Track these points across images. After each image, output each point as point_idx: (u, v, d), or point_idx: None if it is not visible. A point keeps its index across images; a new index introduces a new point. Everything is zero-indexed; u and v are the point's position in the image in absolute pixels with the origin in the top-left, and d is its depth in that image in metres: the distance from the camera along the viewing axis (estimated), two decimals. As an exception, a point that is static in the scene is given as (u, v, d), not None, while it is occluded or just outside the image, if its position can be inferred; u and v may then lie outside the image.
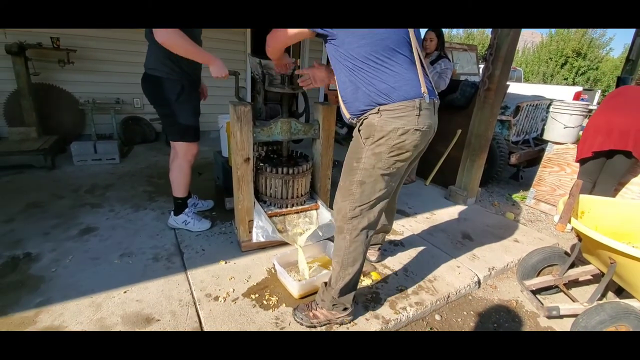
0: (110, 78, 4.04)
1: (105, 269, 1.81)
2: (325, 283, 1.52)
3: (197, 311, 1.57)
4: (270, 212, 1.95)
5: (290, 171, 1.91)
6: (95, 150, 3.44)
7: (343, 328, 1.53)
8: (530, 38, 18.21)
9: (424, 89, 1.27)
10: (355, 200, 1.36)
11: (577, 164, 2.69)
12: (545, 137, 3.12)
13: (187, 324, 1.49)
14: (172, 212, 2.26)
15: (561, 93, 8.55)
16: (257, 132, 1.83)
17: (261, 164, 1.94)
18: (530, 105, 3.53)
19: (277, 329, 1.49)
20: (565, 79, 14.73)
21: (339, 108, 1.52)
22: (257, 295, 1.69)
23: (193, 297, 1.65)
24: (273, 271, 1.88)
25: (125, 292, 1.65)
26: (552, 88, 9.34)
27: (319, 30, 1.29)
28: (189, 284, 1.75)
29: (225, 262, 1.93)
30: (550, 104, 3.62)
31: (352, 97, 1.33)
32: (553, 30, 15.65)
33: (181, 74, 1.94)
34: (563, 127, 2.89)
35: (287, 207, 2.01)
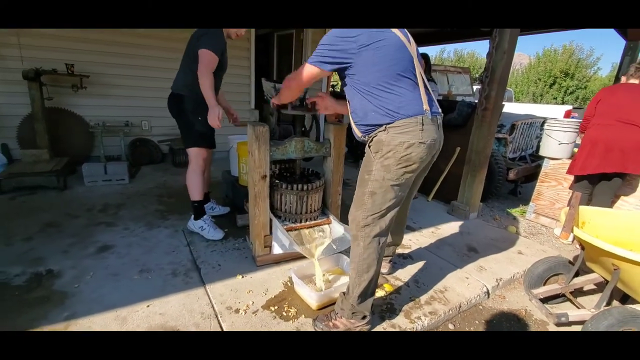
0: (120, 102, 4.18)
1: (126, 285, 1.86)
2: (344, 293, 1.59)
3: (219, 323, 1.61)
4: (285, 226, 2.02)
5: (305, 187, 2.01)
6: (105, 172, 3.52)
7: (362, 337, 1.58)
8: (519, 60, 18.97)
9: (425, 106, 1.42)
10: (367, 210, 1.46)
11: (572, 177, 2.83)
12: (541, 153, 3.26)
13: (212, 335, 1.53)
14: (192, 216, 2.46)
15: (552, 112, 8.84)
16: (273, 150, 1.94)
17: (276, 181, 2.03)
18: (524, 123, 3.71)
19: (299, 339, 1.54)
20: (554, 98, 15.24)
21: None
22: (276, 307, 1.74)
23: (214, 310, 1.70)
24: (289, 284, 1.94)
25: (148, 306, 1.69)
26: (543, 107, 9.68)
27: (337, 66, 1.43)
28: (209, 297, 1.79)
29: (242, 276, 1.99)
30: (544, 122, 3.80)
31: (363, 118, 1.47)
32: (540, 51, 16.33)
33: (197, 94, 2.17)
34: (558, 143, 3.04)
35: (301, 221, 2.08)
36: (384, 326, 1.66)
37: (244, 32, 2.43)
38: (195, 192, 2.39)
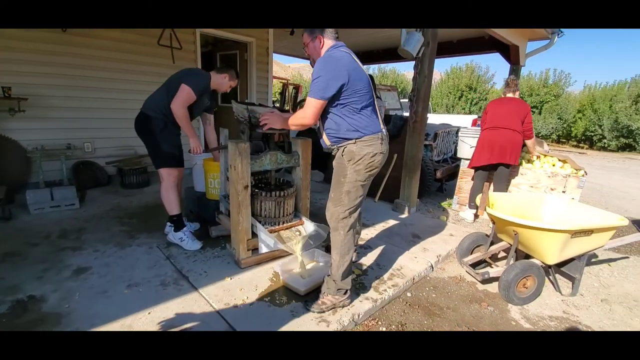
0: (61, 124, 3.98)
1: (118, 299, 1.94)
2: (328, 275, 1.94)
3: (222, 317, 1.82)
4: (267, 229, 2.30)
5: (281, 194, 2.32)
6: (52, 197, 3.35)
7: (345, 310, 1.94)
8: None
9: (382, 126, 1.88)
10: (344, 205, 1.85)
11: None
12: (458, 155, 4.05)
13: (219, 327, 1.75)
14: (172, 229, 2.62)
15: (462, 121, 10.41)
16: (252, 163, 2.23)
17: (256, 190, 2.31)
18: (444, 132, 4.52)
19: (296, 318, 1.84)
20: (463, 108, 17.72)
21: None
22: (269, 298, 2.01)
23: (213, 307, 1.90)
24: (274, 279, 2.21)
25: (149, 313, 1.83)
26: (455, 117, 11.31)
27: (335, 93, 1.73)
28: (205, 299, 1.98)
29: (230, 278, 2.20)
30: (458, 130, 4.66)
31: (336, 132, 1.86)
32: (448, 69, 18.89)
33: (166, 116, 2.43)
34: (470, 147, 3.83)
35: (279, 224, 2.39)
36: (360, 299, 2.05)
37: (235, 85, 2.70)
38: (173, 206, 2.55)
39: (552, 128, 15.41)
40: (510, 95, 3.44)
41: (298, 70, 32.19)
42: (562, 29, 4.94)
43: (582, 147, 15.15)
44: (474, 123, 11.09)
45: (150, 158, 2.58)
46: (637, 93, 13.53)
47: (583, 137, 15.31)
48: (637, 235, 2.50)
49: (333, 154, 2.00)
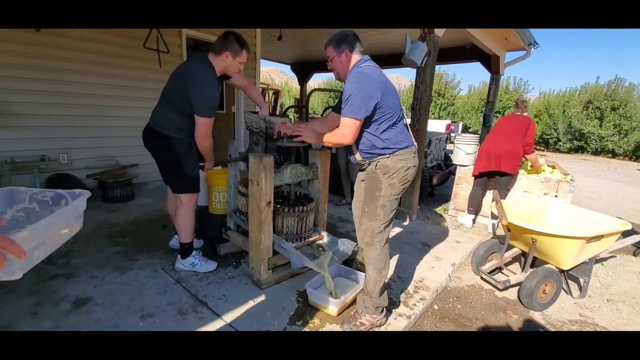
0: (33, 133, 3.57)
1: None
2: (364, 293, 1.87)
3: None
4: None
5: (304, 209, 2.22)
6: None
7: (382, 328, 1.87)
8: (403, 82, 22.33)
9: (413, 140, 1.86)
10: (380, 220, 1.80)
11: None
12: (455, 162, 4.15)
13: (257, 358, 1.61)
14: (179, 256, 2.37)
15: (437, 126, 10.80)
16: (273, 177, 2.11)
17: (277, 206, 2.19)
18: (437, 139, 4.62)
19: (335, 342, 1.74)
20: (432, 113, 18.45)
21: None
22: (301, 322, 1.90)
23: (246, 336, 1.76)
24: (300, 299, 2.10)
25: (175, 347, 1.65)
26: (429, 122, 11.73)
27: (371, 111, 1.70)
28: (232, 327, 1.83)
29: (254, 301, 2.06)
30: (447, 138, 4.79)
31: (368, 149, 1.82)
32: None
33: (188, 135, 2.17)
34: (465, 153, 3.94)
35: (300, 240, 2.28)
36: (394, 316, 1.99)
37: (244, 58, 2.17)
38: (188, 234, 2.33)
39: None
40: (514, 110, 3.59)
41: (268, 73, 31.92)
42: (537, 42, 5.26)
43: (541, 150, 16.29)
44: (448, 128, 11.56)
45: (167, 180, 2.29)
46: (587, 99, 14.80)
47: (540, 140, 16.47)
48: (635, 237, 2.68)
49: (363, 168, 1.95)
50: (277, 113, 8.43)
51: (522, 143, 3.37)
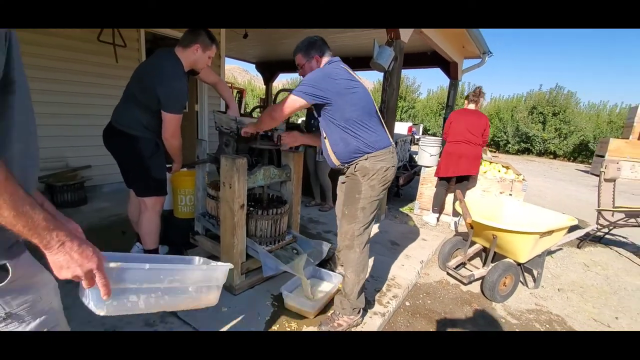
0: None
1: (97, 350, 1.60)
2: (341, 294, 1.87)
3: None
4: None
5: (278, 211, 2.18)
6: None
7: (359, 328, 1.89)
8: (367, 85, 22.80)
9: (391, 139, 1.90)
10: (360, 222, 1.81)
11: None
12: (419, 163, 4.32)
13: (234, 368, 1.55)
14: None
15: (400, 128, 11.20)
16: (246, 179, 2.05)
17: (251, 209, 2.13)
18: (402, 140, 4.78)
19: (313, 345, 1.73)
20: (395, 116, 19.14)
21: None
22: (277, 327, 1.86)
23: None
24: (275, 303, 2.06)
25: (143, 362, 1.54)
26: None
27: (318, 100, 1.73)
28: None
29: (227, 308, 1.99)
30: (411, 140, 4.98)
31: (343, 150, 1.82)
32: (380, 78, 20.19)
33: (154, 134, 2.05)
34: (430, 155, 4.11)
35: (275, 244, 2.24)
36: (370, 315, 2.02)
37: (214, 53, 2.11)
38: (153, 240, 2.19)
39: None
40: (471, 106, 3.74)
41: (231, 72, 31.13)
42: (491, 51, 5.63)
43: (493, 151, 17.50)
44: (410, 130, 12.02)
45: (131, 182, 2.14)
46: (532, 105, 16.15)
47: (492, 142, 17.67)
48: (580, 231, 2.96)
49: (343, 171, 1.96)
50: (242, 113, 8.24)
51: (481, 142, 3.59)
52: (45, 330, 0.78)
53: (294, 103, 1.72)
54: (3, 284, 0.68)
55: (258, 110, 6.16)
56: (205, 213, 2.50)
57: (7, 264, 0.69)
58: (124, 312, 0.81)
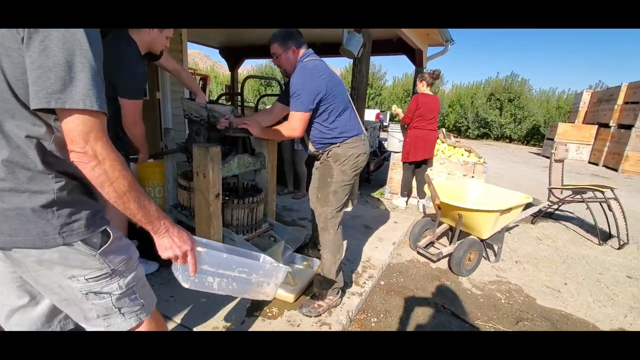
0: None
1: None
2: (320, 276, 1.93)
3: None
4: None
5: (254, 199, 2.18)
6: None
7: (339, 309, 1.97)
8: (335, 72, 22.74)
9: (363, 128, 1.96)
10: (332, 205, 1.87)
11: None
12: (389, 149, 4.45)
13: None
14: None
15: (368, 115, 11.37)
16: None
17: (226, 198, 2.11)
18: (372, 127, 4.88)
19: (295, 327, 1.78)
20: (362, 103, 19.36)
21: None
22: (258, 312, 1.89)
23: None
24: (255, 291, 2.08)
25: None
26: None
27: (317, 101, 1.75)
28: (184, 326, 1.74)
29: (206, 298, 1.98)
30: (380, 126, 5.10)
31: (319, 138, 1.87)
32: (347, 65, 20.24)
33: (111, 126, 1.88)
34: (399, 141, 4.24)
35: (251, 232, 2.24)
36: (348, 295, 2.11)
37: (172, 33, 1.98)
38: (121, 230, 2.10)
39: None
40: (428, 90, 3.85)
41: (191, 57, 29.71)
42: (453, 39, 5.83)
43: (455, 136, 18.31)
44: (377, 117, 12.25)
45: None
46: (490, 92, 17.01)
47: (454, 128, 18.49)
48: (534, 208, 3.22)
49: (318, 157, 2.01)
50: (208, 101, 7.95)
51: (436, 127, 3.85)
52: (135, 284, 0.91)
53: (303, 119, 1.77)
54: (107, 244, 0.83)
55: (224, 98, 5.98)
56: (177, 205, 2.44)
57: (107, 228, 0.84)
58: (201, 289, 0.97)
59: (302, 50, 1.87)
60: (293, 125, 1.79)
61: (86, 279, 0.82)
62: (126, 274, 0.89)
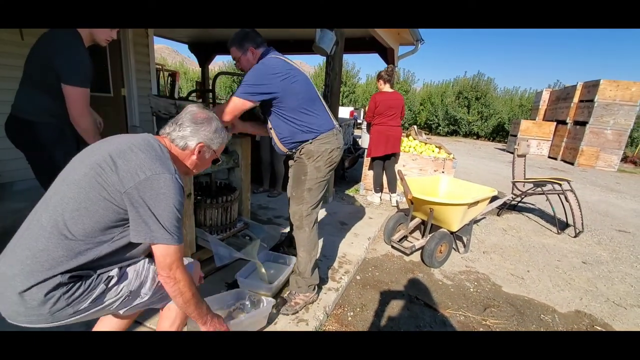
0: None
1: None
2: (296, 274, 1.93)
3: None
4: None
5: (228, 199, 2.14)
6: None
7: (315, 305, 1.98)
8: (307, 69, 22.76)
9: (335, 122, 1.97)
10: (307, 203, 1.88)
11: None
12: (363, 146, 4.51)
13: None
14: None
15: (342, 112, 11.47)
16: (192, 168, 1.97)
17: (199, 197, 2.06)
18: (346, 124, 4.93)
19: (272, 325, 1.78)
20: (336, 100, 19.48)
21: None
22: (235, 312, 1.86)
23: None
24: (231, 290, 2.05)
25: None
26: (334, 108, 12.36)
27: (264, 97, 1.73)
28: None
29: (180, 300, 1.93)
30: (354, 124, 5.16)
31: (289, 136, 1.86)
32: (321, 63, 20.27)
33: (59, 120, 1.79)
34: (372, 137, 4.31)
35: (226, 232, 2.20)
36: (324, 291, 2.13)
37: (116, 35, 1.88)
38: None
39: (405, 118, 18.63)
40: (387, 87, 3.94)
41: (159, 52, 28.59)
42: (423, 39, 6.00)
43: (427, 134, 18.87)
44: (352, 114, 12.37)
45: (41, 181, 1.85)
46: (458, 90, 17.65)
47: (425, 125, 19.05)
48: (499, 200, 3.39)
49: (292, 157, 1.99)
50: (177, 97, 7.69)
51: (400, 124, 3.97)
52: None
53: (241, 106, 1.72)
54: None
55: (194, 95, 5.80)
56: (147, 205, 2.35)
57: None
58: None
59: (261, 50, 1.84)
60: (226, 108, 1.72)
61: None
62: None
